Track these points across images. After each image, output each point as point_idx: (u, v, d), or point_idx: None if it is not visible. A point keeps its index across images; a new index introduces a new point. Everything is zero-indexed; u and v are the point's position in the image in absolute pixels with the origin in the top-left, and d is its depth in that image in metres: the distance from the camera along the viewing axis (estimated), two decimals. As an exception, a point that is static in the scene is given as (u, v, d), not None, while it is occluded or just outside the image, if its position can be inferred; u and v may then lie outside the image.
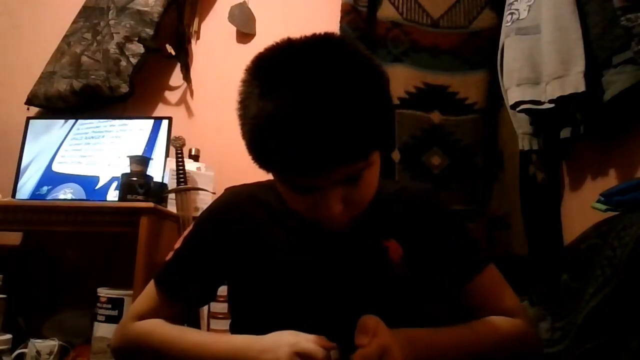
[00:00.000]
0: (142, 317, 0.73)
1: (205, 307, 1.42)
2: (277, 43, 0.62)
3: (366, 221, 0.69)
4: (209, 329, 1.43)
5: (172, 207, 1.56)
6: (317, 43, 0.60)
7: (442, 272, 0.73)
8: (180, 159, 1.62)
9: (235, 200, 0.77)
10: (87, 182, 1.71)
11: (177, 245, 0.76)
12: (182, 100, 1.94)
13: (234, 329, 0.77)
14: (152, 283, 0.76)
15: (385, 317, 0.67)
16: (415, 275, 0.72)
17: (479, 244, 0.78)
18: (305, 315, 0.68)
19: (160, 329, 0.71)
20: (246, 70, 0.64)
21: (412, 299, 0.72)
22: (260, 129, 0.57)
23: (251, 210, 0.75)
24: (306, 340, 0.59)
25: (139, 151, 1.71)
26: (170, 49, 1.89)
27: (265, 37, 1.94)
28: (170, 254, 0.76)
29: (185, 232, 0.77)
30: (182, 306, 0.75)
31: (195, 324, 1.35)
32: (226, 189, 0.80)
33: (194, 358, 0.66)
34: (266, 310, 0.71)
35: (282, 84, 0.56)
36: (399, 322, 0.69)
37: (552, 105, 1.20)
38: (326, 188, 0.60)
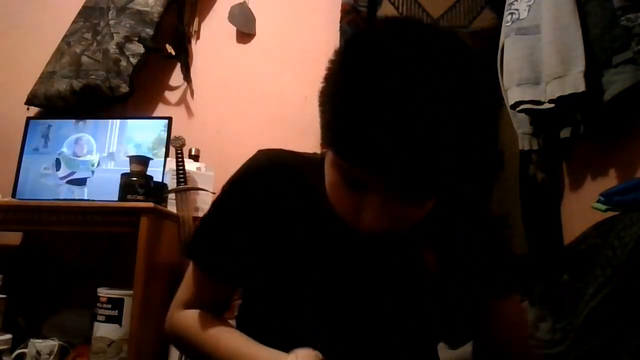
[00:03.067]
0: (187, 304, 0.70)
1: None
2: (402, 19, 0.53)
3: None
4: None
5: (172, 207, 1.56)
6: (453, 48, 0.50)
7: (473, 284, 0.68)
8: (180, 159, 1.62)
9: (271, 166, 0.68)
10: (87, 182, 1.71)
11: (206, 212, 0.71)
12: (182, 100, 1.94)
13: (242, 315, 0.74)
14: (191, 265, 0.71)
15: (409, 322, 0.65)
16: (447, 283, 0.66)
17: (514, 265, 0.72)
18: (324, 314, 0.64)
19: (195, 329, 0.67)
20: (353, 38, 0.53)
21: (440, 307, 0.68)
22: (364, 108, 0.46)
23: (287, 183, 0.66)
24: None
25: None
26: (170, 49, 1.89)
27: (265, 37, 1.96)
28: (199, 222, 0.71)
29: (215, 198, 0.70)
30: (223, 285, 0.70)
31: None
32: (259, 151, 0.70)
33: None
34: (280, 300, 0.65)
35: (411, 72, 0.45)
36: (420, 327, 0.67)
37: (552, 105, 1.20)
38: (382, 197, 0.51)
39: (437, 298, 0.66)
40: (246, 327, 0.69)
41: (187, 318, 0.69)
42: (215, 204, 0.70)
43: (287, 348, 0.58)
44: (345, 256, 0.64)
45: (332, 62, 0.53)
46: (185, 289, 0.71)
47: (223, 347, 0.63)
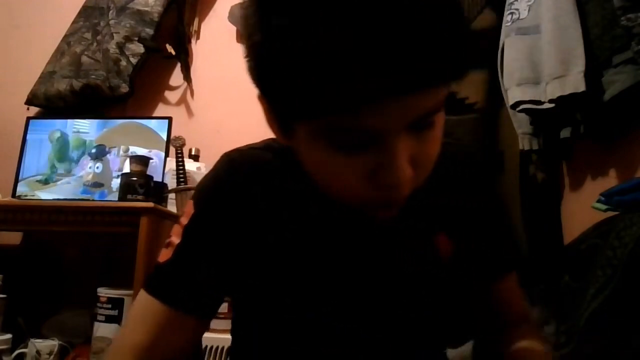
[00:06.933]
0: (145, 348, 0.53)
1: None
2: None
3: (410, 207, 0.50)
4: (209, 329, 1.43)
5: (172, 207, 1.56)
6: None
7: (480, 265, 0.63)
8: (180, 159, 1.62)
9: (241, 170, 0.57)
10: (87, 182, 1.71)
11: (175, 238, 0.56)
12: (182, 100, 1.94)
13: (236, 330, 0.66)
14: (147, 300, 0.55)
15: (423, 319, 0.60)
16: (464, 273, 0.61)
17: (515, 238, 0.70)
18: (332, 316, 0.56)
19: None
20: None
21: (456, 300, 0.62)
22: (320, 45, 0.36)
23: (262, 180, 0.57)
24: None
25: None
26: (170, 49, 1.89)
27: (265, 37, 1.96)
28: (167, 252, 0.56)
29: (184, 221, 0.57)
30: (197, 318, 0.56)
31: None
32: (223, 156, 0.60)
33: None
34: (282, 309, 0.56)
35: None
36: (434, 322, 0.62)
37: (552, 105, 1.20)
38: (393, 136, 0.41)
39: (451, 287, 0.60)
40: (247, 340, 0.64)
41: None
42: (187, 229, 0.56)
43: (301, 352, 0.56)
44: (352, 250, 0.56)
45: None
46: (143, 328, 0.54)
47: None
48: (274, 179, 0.57)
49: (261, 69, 0.43)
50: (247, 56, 0.44)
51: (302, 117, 0.43)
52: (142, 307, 0.55)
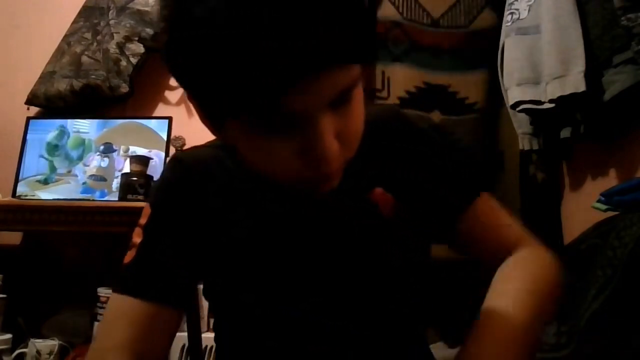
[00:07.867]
0: (126, 347, 0.53)
1: (205, 306, 1.42)
2: None
3: (347, 176, 0.52)
4: (208, 329, 1.43)
5: (172, 207, 1.56)
6: None
7: (434, 206, 0.62)
8: (180, 159, 1.62)
9: (186, 169, 0.61)
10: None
11: (137, 239, 0.59)
12: (182, 100, 1.94)
13: (218, 328, 0.66)
14: (119, 300, 0.57)
15: (386, 284, 0.59)
16: (413, 222, 0.60)
17: (472, 168, 0.67)
18: (297, 298, 0.57)
19: None
20: None
21: (412, 253, 0.61)
22: (217, 32, 0.39)
23: (211, 178, 0.60)
24: None
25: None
26: (170, 49, 1.89)
27: (265, 37, 1.96)
28: (131, 253, 0.59)
29: (143, 221, 0.60)
30: (170, 308, 0.57)
31: (195, 325, 1.35)
32: (172, 157, 0.64)
33: None
34: (248, 297, 0.58)
35: None
36: (399, 290, 0.60)
37: (552, 105, 1.20)
38: (316, 116, 0.43)
39: (404, 242, 0.60)
40: (226, 341, 0.64)
41: None
42: (146, 228, 0.59)
43: (278, 341, 0.57)
44: (299, 227, 0.58)
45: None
46: (123, 327, 0.55)
47: None
48: (222, 175, 0.60)
49: (176, 72, 0.47)
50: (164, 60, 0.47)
51: (226, 114, 0.46)
52: (115, 308, 0.58)
